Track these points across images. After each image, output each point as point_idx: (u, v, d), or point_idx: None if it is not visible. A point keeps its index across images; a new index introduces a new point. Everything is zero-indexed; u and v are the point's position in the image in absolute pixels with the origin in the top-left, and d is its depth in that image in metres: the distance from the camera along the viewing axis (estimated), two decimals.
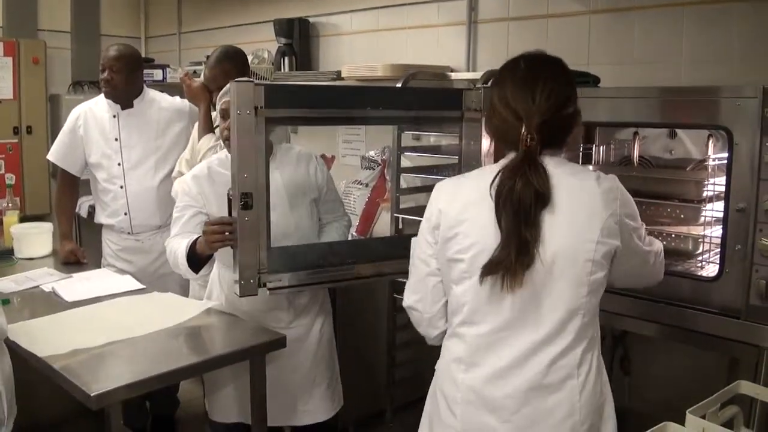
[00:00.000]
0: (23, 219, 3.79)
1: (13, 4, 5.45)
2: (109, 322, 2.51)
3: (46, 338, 2.32)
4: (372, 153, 4.11)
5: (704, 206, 2.45)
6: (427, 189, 2.50)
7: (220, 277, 2.77)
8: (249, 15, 5.01)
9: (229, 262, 2.42)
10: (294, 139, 4.31)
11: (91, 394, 1.96)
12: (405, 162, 3.39)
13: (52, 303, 2.75)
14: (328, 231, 2.82)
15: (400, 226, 3.25)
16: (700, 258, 2.49)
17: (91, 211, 3.95)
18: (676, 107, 2.30)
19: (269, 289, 2.34)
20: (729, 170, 2.10)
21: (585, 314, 1.71)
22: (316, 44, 4.59)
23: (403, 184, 3.34)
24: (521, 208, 1.65)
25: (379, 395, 3.54)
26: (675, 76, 2.85)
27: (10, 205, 3.71)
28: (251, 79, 2.47)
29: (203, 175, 2.71)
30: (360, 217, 4.00)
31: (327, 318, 2.85)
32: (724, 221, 2.13)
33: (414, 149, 3.49)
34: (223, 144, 3.12)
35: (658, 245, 1.93)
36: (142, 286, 2.98)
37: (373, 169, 4.08)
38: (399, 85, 3.19)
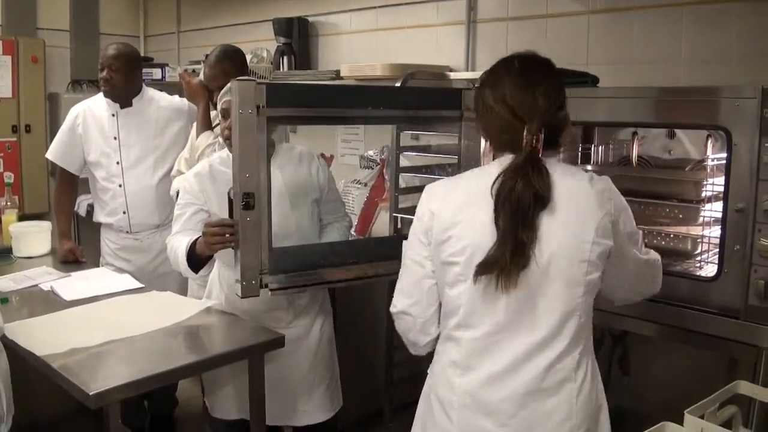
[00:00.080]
0: (22, 218, 3.80)
1: (12, 3, 5.44)
2: (108, 321, 2.51)
3: (44, 337, 2.32)
4: (371, 152, 4.11)
5: (703, 206, 2.45)
6: None
7: (220, 276, 2.77)
8: (248, 14, 5.01)
9: (229, 261, 2.42)
10: (293, 138, 4.32)
11: (90, 393, 1.96)
12: (404, 161, 3.39)
13: (50, 302, 2.75)
14: (329, 231, 2.82)
15: (399, 226, 3.25)
16: (698, 258, 2.49)
17: (90, 209, 3.95)
18: (675, 107, 2.29)
19: (271, 290, 2.33)
20: (728, 170, 2.10)
21: (581, 315, 1.72)
22: (315, 43, 4.59)
23: (402, 184, 3.33)
24: (519, 209, 1.64)
25: (378, 395, 3.54)
26: (674, 77, 2.85)
27: (8, 203, 3.71)
28: (253, 78, 2.47)
29: (205, 173, 2.71)
30: (359, 216, 4.00)
31: (327, 318, 2.85)
32: (723, 221, 2.12)
33: (413, 149, 3.49)
34: (223, 143, 3.13)
35: (656, 255, 1.93)
36: (140, 285, 2.99)
37: (372, 169, 4.09)
38: (398, 84, 3.19)
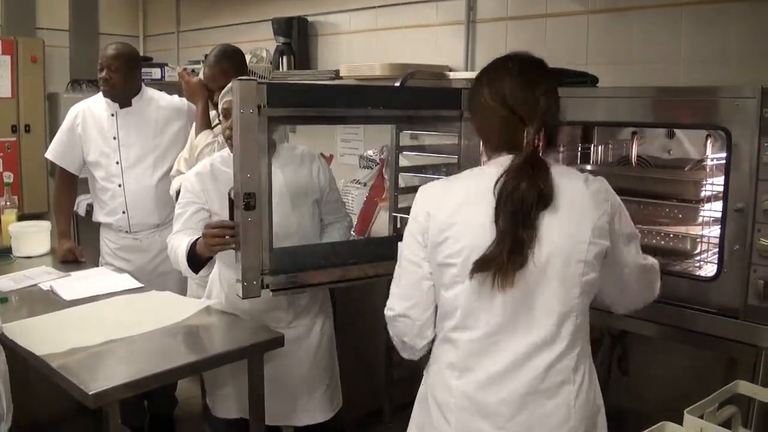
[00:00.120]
0: (21, 217, 3.80)
1: (11, 3, 5.44)
2: (107, 320, 2.51)
3: (44, 337, 2.32)
4: (370, 152, 4.11)
5: (702, 206, 2.45)
6: None
7: (221, 275, 2.77)
8: (247, 14, 5.01)
9: (230, 261, 2.41)
10: (292, 138, 4.31)
11: (89, 393, 1.96)
12: (403, 161, 3.39)
13: (50, 301, 2.75)
14: (329, 232, 2.82)
15: (399, 226, 3.25)
16: (698, 258, 2.50)
17: (89, 209, 3.95)
18: (675, 107, 2.29)
19: (272, 290, 2.32)
20: (727, 170, 2.10)
21: (577, 316, 1.71)
22: (314, 43, 4.59)
23: (402, 184, 3.33)
24: (522, 208, 1.64)
25: (378, 395, 3.54)
26: (673, 76, 2.85)
27: (8, 203, 3.71)
28: (254, 78, 2.46)
29: (206, 173, 2.71)
30: (358, 216, 4.00)
31: (327, 318, 2.85)
32: (723, 221, 2.12)
33: (412, 148, 3.49)
34: (222, 142, 3.12)
35: (653, 260, 1.92)
36: (140, 285, 2.98)
37: (372, 169, 4.09)
38: (397, 84, 3.19)
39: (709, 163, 2.54)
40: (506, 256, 1.63)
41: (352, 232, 3.63)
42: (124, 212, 3.51)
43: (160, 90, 3.73)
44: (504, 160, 1.73)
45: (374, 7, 4.19)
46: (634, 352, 2.74)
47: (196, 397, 3.74)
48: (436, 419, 1.79)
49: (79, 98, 3.76)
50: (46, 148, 3.71)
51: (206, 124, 3.31)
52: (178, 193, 3.17)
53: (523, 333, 1.69)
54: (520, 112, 1.71)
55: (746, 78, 2.52)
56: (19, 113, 5.24)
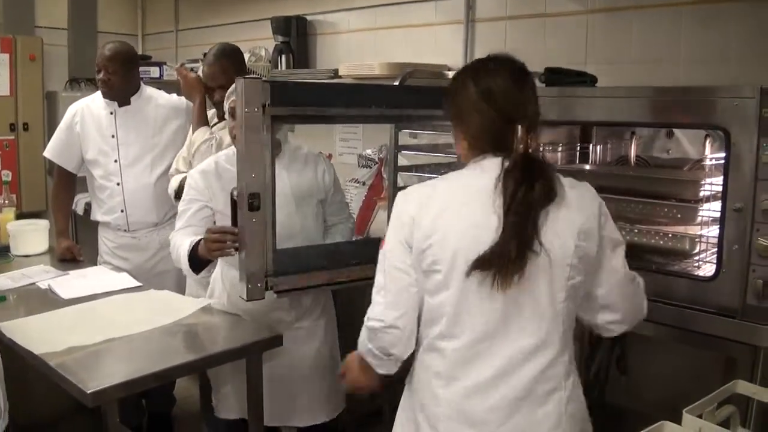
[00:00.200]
0: (20, 216, 3.79)
1: (10, 1, 5.43)
2: (106, 319, 2.51)
3: (42, 335, 2.32)
4: (369, 151, 4.10)
5: (701, 206, 2.46)
6: None
7: (223, 275, 2.76)
8: (246, 13, 5.01)
9: (233, 260, 2.40)
10: (290, 137, 4.31)
11: (88, 392, 1.96)
12: (402, 160, 3.39)
13: (48, 300, 2.74)
14: (333, 233, 2.81)
15: None
16: (697, 258, 2.49)
17: (88, 208, 3.94)
18: (674, 107, 2.29)
19: (276, 292, 2.30)
20: (726, 170, 2.10)
21: (564, 320, 1.70)
22: (313, 42, 4.59)
23: (400, 183, 3.33)
24: (526, 209, 1.62)
25: (377, 395, 3.53)
26: (672, 76, 2.85)
27: (6, 202, 3.70)
28: (259, 76, 2.45)
29: (211, 170, 2.71)
30: (357, 215, 3.99)
31: (330, 318, 2.84)
32: (722, 221, 2.13)
33: (411, 148, 3.49)
34: (219, 139, 3.13)
35: (638, 276, 1.87)
36: (138, 284, 2.98)
37: (370, 168, 4.08)
38: (396, 83, 3.18)
39: (708, 162, 2.54)
40: (514, 254, 1.60)
41: None
42: (122, 211, 3.51)
43: (159, 89, 3.72)
44: (491, 163, 1.71)
45: (373, 7, 4.19)
46: (633, 352, 2.73)
47: (195, 396, 3.74)
48: (424, 430, 1.76)
49: (78, 97, 3.76)
50: (45, 146, 3.71)
51: (203, 121, 3.30)
52: (176, 191, 3.18)
53: (513, 339, 1.67)
54: (511, 112, 1.69)
55: (745, 78, 2.52)
56: (18, 111, 5.24)
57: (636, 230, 2.53)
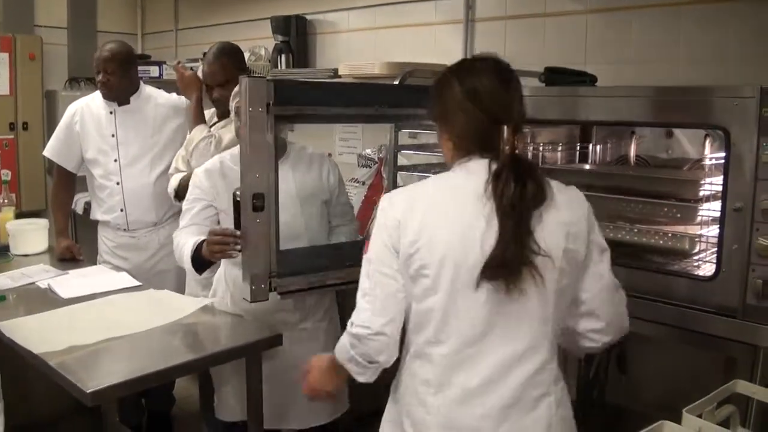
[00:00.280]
0: (19, 215, 3.79)
1: (9, 0, 5.43)
2: (105, 319, 2.51)
3: (41, 335, 2.32)
4: (368, 151, 4.10)
5: (701, 206, 2.46)
6: None
7: (226, 275, 2.75)
8: (246, 12, 5.01)
9: (236, 260, 2.39)
10: (290, 136, 4.31)
11: (87, 391, 1.95)
12: (402, 160, 3.39)
13: (47, 300, 2.74)
14: (337, 235, 2.80)
15: None
16: (697, 257, 2.50)
17: (87, 207, 3.94)
18: (674, 107, 2.29)
19: (280, 293, 2.29)
20: (726, 170, 2.10)
21: (553, 326, 1.69)
22: (313, 42, 4.59)
23: (400, 183, 3.33)
24: (526, 210, 1.61)
25: (378, 395, 3.52)
26: (672, 76, 2.85)
27: (5, 201, 3.70)
28: (263, 76, 2.45)
29: (215, 170, 2.70)
30: (357, 215, 3.99)
31: (333, 321, 2.83)
32: (721, 221, 2.13)
33: (411, 147, 3.49)
34: (218, 137, 3.12)
35: (621, 288, 1.84)
36: (138, 283, 2.97)
37: (370, 167, 4.08)
38: (396, 83, 3.18)
39: (707, 162, 2.54)
40: (519, 258, 1.59)
41: None
42: (122, 210, 3.51)
43: (159, 88, 3.72)
44: (477, 165, 1.69)
45: (373, 6, 4.19)
46: (633, 352, 2.74)
47: (194, 395, 3.74)
48: None
49: (77, 96, 3.75)
50: (44, 145, 3.71)
51: (200, 119, 3.30)
52: (176, 190, 3.18)
53: (503, 343, 1.65)
54: (497, 112, 1.68)
55: (745, 77, 2.52)
56: (17, 111, 5.24)
57: (636, 230, 2.53)
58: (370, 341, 1.71)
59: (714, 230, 2.30)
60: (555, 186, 1.72)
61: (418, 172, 3.38)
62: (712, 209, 2.36)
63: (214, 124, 3.28)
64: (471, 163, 1.72)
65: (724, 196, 2.11)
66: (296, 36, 4.47)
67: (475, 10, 3.66)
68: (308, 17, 4.53)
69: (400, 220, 1.70)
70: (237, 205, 2.24)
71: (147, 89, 3.61)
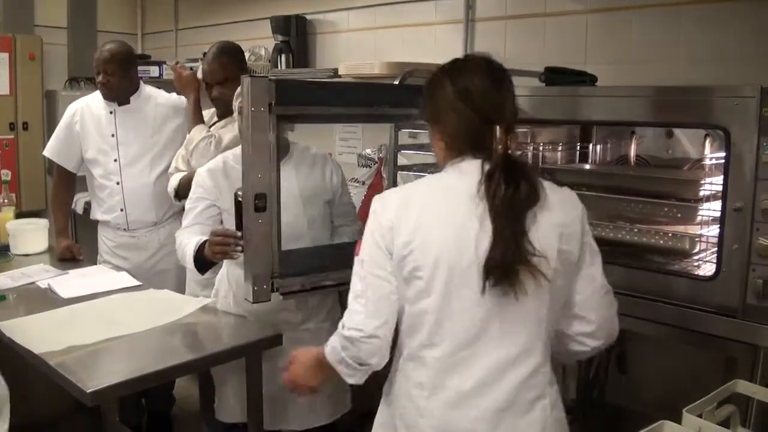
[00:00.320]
0: (19, 215, 3.79)
1: (9, 0, 5.43)
2: (105, 318, 2.51)
3: (41, 335, 2.32)
4: (368, 151, 4.10)
5: (701, 205, 2.46)
6: None
7: (229, 274, 2.75)
8: (246, 12, 5.00)
9: (239, 260, 2.39)
10: (291, 136, 4.31)
11: (87, 391, 1.96)
12: (402, 160, 3.39)
13: (47, 299, 2.75)
14: (340, 235, 2.80)
15: None
16: (697, 257, 2.49)
17: (87, 207, 3.94)
18: (674, 106, 2.29)
19: (282, 293, 2.29)
20: (726, 170, 2.10)
21: (547, 328, 1.69)
22: (313, 42, 4.59)
23: (400, 182, 3.33)
24: (521, 210, 1.60)
25: (378, 395, 3.53)
26: (672, 76, 2.85)
27: (5, 201, 3.70)
28: (265, 75, 2.45)
29: (218, 169, 2.70)
30: (357, 215, 3.99)
31: (335, 322, 2.81)
32: (721, 221, 2.12)
33: (411, 147, 3.49)
34: (218, 137, 3.12)
35: (612, 293, 1.83)
36: (138, 283, 2.98)
37: (370, 167, 4.08)
38: (396, 83, 3.18)
39: (707, 162, 2.53)
40: (517, 258, 1.58)
41: None
42: (122, 210, 3.51)
43: (159, 88, 3.72)
44: (470, 165, 1.69)
45: (373, 6, 4.19)
46: (632, 352, 2.74)
47: (194, 395, 3.74)
48: None
49: (77, 96, 3.76)
50: (44, 145, 3.71)
51: (198, 118, 3.31)
52: (176, 190, 3.18)
53: (494, 345, 1.64)
54: (489, 112, 1.67)
55: (745, 77, 2.52)
56: (17, 111, 5.24)
57: (636, 230, 2.53)
58: (362, 344, 1.70)
59: (714, 230, 2.29)
60: (548, 187, 1.70)
61: (419, 172, 3.38)
62: (712, 209, 2.36)
63: (214, 123, 3.28)
64: (464, 163, 1.71)
65: (724, 195, 2.11)
66: (296, 36, 4.47)
67: (475, 10, 3.65)
68: (308, 17, 4.53)
69: (393, 221, 1.69)
70: (239, 206, 2.23)
71: (147, 89, 3.61)
